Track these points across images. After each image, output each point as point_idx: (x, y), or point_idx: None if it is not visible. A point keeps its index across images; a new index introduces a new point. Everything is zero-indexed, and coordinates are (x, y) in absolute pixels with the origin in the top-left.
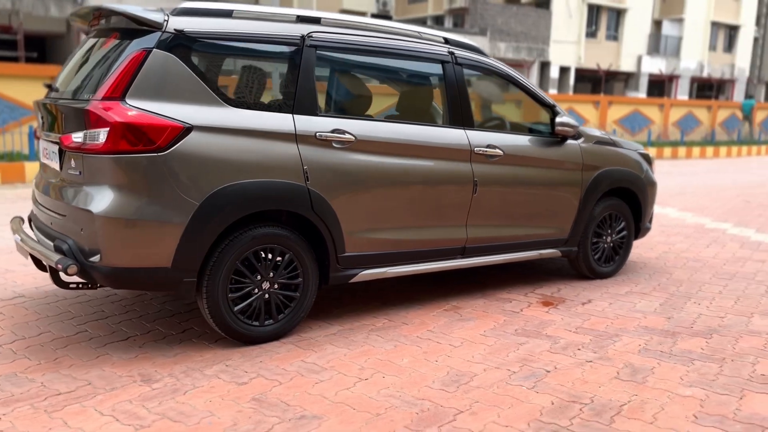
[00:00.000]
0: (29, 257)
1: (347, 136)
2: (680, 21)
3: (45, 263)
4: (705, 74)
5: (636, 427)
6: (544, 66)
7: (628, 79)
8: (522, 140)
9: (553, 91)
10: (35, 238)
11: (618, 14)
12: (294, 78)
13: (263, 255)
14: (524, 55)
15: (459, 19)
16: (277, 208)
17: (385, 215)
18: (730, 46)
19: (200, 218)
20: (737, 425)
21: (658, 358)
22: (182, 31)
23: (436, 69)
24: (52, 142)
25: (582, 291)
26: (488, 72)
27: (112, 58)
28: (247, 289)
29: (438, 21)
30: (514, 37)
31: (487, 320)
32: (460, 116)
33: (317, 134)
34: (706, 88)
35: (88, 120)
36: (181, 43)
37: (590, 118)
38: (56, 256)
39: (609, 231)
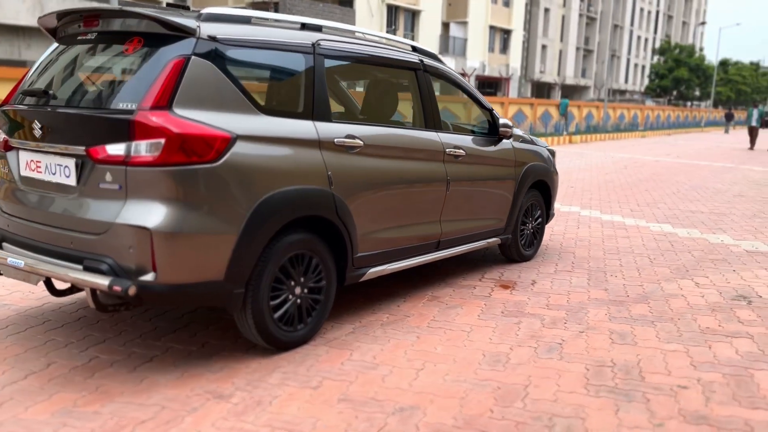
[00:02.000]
0: (35, 282)
1: (357, 141)
2: (465, 24)
3: (78, 285)
4: (486, 73)
5: (660, 378)
6: None
7: None
8: (475, 141)
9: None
10: (40, 260)
11: (413, 15)
12: (311, 85)
13: (296, 261)
14: None
15: (273, 10)
16: (311, 214)
17: (385, 215)
18: (504, 48)
19: (250, 228)
20: (725, 368)
21: (627, 323)
22: (215, 37)
23: (412, 76)
24: (58, 154)
25: (520, 273)
26: (445, 78)
27: (142, 65)
28: (284, 295)
29: None
30: None
31: (470, 306)
32: (432, 120)
33: (335, 140)
34: (487, 86)
35: (133, 131)
36: (214, 50)
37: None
38: (104, 279)
39: (530, 219)
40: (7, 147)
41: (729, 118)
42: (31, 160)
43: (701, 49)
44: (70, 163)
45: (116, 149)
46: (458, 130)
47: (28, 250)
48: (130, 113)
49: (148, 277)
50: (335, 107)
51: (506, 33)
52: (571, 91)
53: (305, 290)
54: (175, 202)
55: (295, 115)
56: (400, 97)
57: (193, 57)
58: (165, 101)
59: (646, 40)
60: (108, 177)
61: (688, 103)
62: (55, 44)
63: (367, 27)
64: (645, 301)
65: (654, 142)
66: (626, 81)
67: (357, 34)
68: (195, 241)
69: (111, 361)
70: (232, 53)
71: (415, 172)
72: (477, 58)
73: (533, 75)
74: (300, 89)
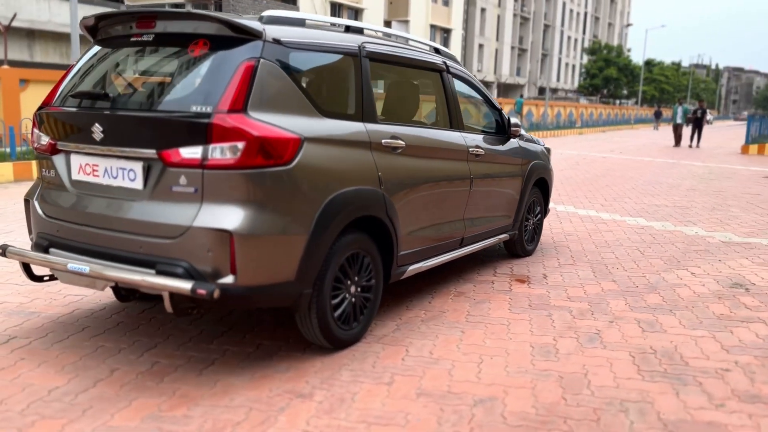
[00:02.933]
0: (102, 288)
1: (400, 141)
2: (406, 23)
3: (154, 290)
4: None
5: (701, 363)
6: None
7: None
8: (489, 140)
9: None
10: (107, 265)
11: (356, 13)
12: (359, 87)
13: (352, 260)
14: None
15: (216, 6)
16: (368, 214)
17: (422, 214)
18: (445, 46)
19: (318, 229)
20: (754, 351)
21: (648, 312)
22: (279, 40)
23: (437, 77)
24: (121, 157)
25: (528, 268)
26: (463, 79)
27: (211, 68)
28: (342, 295)
29: None
30: None
31: (497, 301)
32: (456, 120)
33: (383, 141)
34: None
35: (211, 134)
36: (279, 53)
37: None
38: (186, 283)
39: (531, 215)
40: (54, 150)
41: (658, 115)
42: (86, 164)
43: (629, 50)
44: (136, 166)
45: (192, 152)
46: (469, 129)
47: (86, 256)
48: (206, 116)
49: (228, 279)
50: (386, 108)
51: (446, 32)
52: (507, 90)
53: (358, 289)
54: (253, 204)
55: (348, 117)
56: (432, 98)
57: (261, 60)
58: (240, 104)
59: (576, 40)
60: (182, 180)
61: (617, 102)
62: (96, 46)
63: None
64: (654, 291)
65: (593, 139)
66: (558, 79)
67: (390, 36)
68: (271, 243)
69: (173, 365)
70: (294, 56)
71: (446, 171)
72: None
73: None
74: (351, 91)
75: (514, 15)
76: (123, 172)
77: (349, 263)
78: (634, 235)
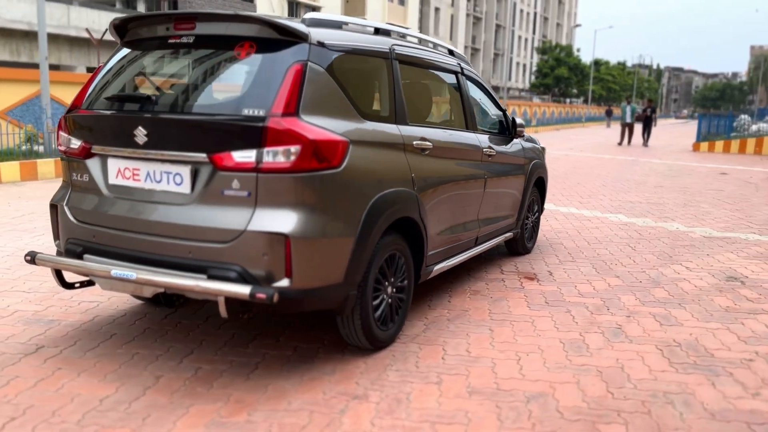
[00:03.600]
0: (150, 294)
1: (427, 143)
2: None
3: (209, 295)
4: None
5: (725, 354)
6: None
7: None
8: (496, 140)
9: None
10: (154, 271)
11: (313, 11)
12: (392, 89)
13: (389, 261)
14: None
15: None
16: (405, 215)
17: (446, 213)
18: None
19: (364, 231)
20: None
21: (660, 306)
22: (323, 42)
23: (454, 79)
24: (167, 161)
25: (531, 265)
26: (474, 81)
27: (260, 70)
28: (381, 296)
29: (129, 4)
30: None
31: (514, 299)
32: (471, 121)
33: (414, 143)
34: None
35: (265, 137)
36: (323, 56)
37: None
38: (244, 287)
39: (530, 213)
40: (88, 154)
41: (609, 114)
42: (126, 168)
43: (578, 50)
44: (184, 170)
45: (245, 156)
46: (479, 130)
47: (127, 262)
48: (260, 120)
49: (284, 283)
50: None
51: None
52: None
53: (394, 290)
54: (306, 207)
55: (383, 119)
56: (450, 100)
57: (309, 63)
58: (293, 108)
59: (527, 40)
60: (235, 184)
61: (567, 100)
62: (125, 48)
63: None
64: (658, 286)
65: (549, 137)
66: (510, 79)
67: (409, 37)
68: (324, 246)
69: (217, 370)
70: (336, 59)
71: (466, 171)
72: None
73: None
74: (385, 93)
75: (467, 15)
76: (168, 176)
77: (387, 264)
78: (620, 231)
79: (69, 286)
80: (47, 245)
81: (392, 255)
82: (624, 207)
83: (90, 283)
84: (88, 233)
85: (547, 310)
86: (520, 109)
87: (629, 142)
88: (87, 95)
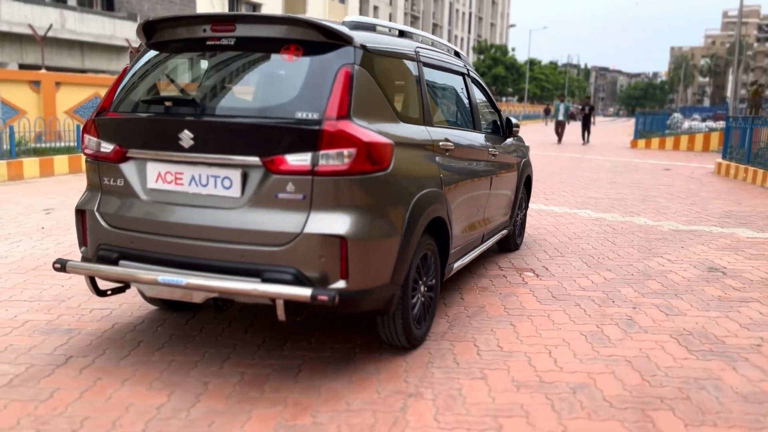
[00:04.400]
0: (201, 300)
1: (450, 143)
2: None
3: (267, 298)
4: None
5: (734, 340)
6: None
7: None
8: (494, 140)
9: None
10: (205, 277)
11: (254, 8)
12: (419, 91)
13: (423, 261)
14: None
15: (103, 1)
16: (438, 215)
17: (463, 212)
18: None
19: (408, 231)
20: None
21: (659, 297)
22: (365, 45)
23: (461, 81)
24: (214, 164)
25: (524, 260)
26: (476, 82)
27: (308, 73)
28: (417, 295)
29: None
30: None
31: (522, 294)
32: (477, 122)
33: (440, 143)
34: None
35: (321, 140)
36: (365, 59)
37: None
38: (305, 289)
39: (519, 211)
40: (123, 158)
41: (547, 112)
42: (167, 172)
43: (513, 50)
44: (233, 174)
45: (300, 159)
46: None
47: (170, 267)
48: (315, 123)
49: (340, 284)
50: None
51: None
52: None
53: (426, 288)
54: (360, 209)
55: (414, 121)
56: (460, 102)
57: (355, 66)
58: (345, 111)
59: (462, 39)
60: (290, 187)
61: (503, 99)
62: (152, 50)
63: None
64: (651, 278)
65: None
66: None
67: (421, 38)
68: (376, 247)
69: (262, 374)
70: (376, 61)
71: (478, 171)
72: None
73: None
74: (415, 95)
75: (405, 13)
76: (216, 180)
77: (421, 263)
78: (593, 226)
79: (102, 293)
80: (32, 252)
81: (425, 254)
82: (589, 203)
83: (121, 290)
84: (124, 239)
85: (557, 304)
86: None
87: (560, 140)
88: (115, 97)
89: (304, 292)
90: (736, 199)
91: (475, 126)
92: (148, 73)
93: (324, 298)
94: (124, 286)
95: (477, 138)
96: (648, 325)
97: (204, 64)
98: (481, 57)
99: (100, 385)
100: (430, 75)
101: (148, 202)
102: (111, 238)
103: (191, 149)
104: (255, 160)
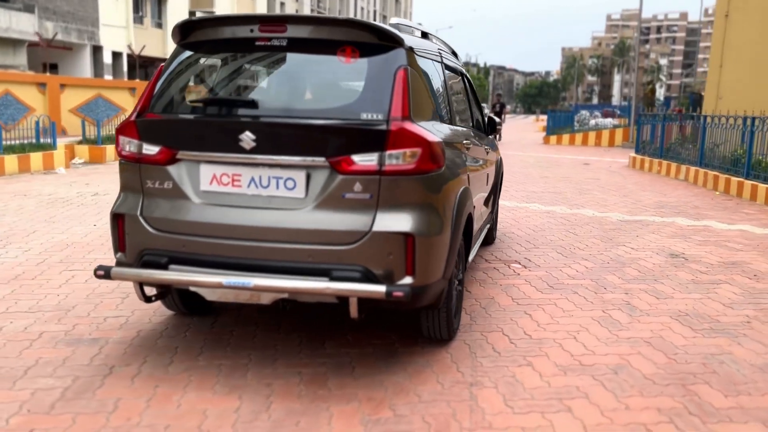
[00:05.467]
0: (268, 301)
1: (467, 141)
2: (211, 14)
3: (340, 296)
4: None
5: (727, 318)
6: (97, 50)
7: None
8: (483, 136)
9: (108, 77)
10: (273, 278)
11: (159, 2)
12: (445, 91)
13: (458, 255)
14: (74, 38)
15: None
16: (470, 211)
17: (475, 208)
18: None
19: (455, 227)
20: (745, 304)
21: (642, 283)
22: (412, 47)
23: (461, 80)
24: (277, 166)
25: (505, 252)
26: (470, 82)
27: (367, 75)
28: (453, 288)
29: None
30: (62, 17)
31: (521, 285)
32: (474, 121)
33: (464, 142)
34: None
35: (388, 141)
36: (413, 60)
37: (126, 105)
38: (379, 286)
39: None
40: (172, 159)
41: None
42: (223, 174)
43: None
44: (297, 174)
45: (367, 159)
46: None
47: (228, 269)
48: (382, 123)
49: (407, 280)
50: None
51: None
52: None
53: (457, 282)
54: (423, 206)
55: (444, 120)
56: (464, 101)
57: (408, 68)
58: (407, 112)
59: None
60: (357, 187)
61: None
62: (187, 50)
63: (113, 13)
64: (626, 266)
65: None
66: None
67: (434, 39)
68: (435, 243)
69: (319, 372)
70: (420, 62)
71: (482, 168)
72: None
73: None
74: (443, 96)
75: (311, 10)
76: (278, 181)
77: (458, 257)
78: (549, 219)
79: (149, 299)
80: (1, 261)
81: (460, 249)
82: (533, 197)
83: (163, 296)
84: (175, 243)
85: (557, 292)
86: None
87: None
88: (153, 98)
89: (379, 288)
90: (660, 190)
91: (474, 124)
92: (189, 74)
93: (399, 294)
94: (165, 291)
95: (480, 136)
96: (646, 309)
97: (252, 65)
98: None
99: (162, 393)
100: (448, 76)
101: (201, 205)
102: (158, 242)
103: (252, 151)
104: (321, 160)
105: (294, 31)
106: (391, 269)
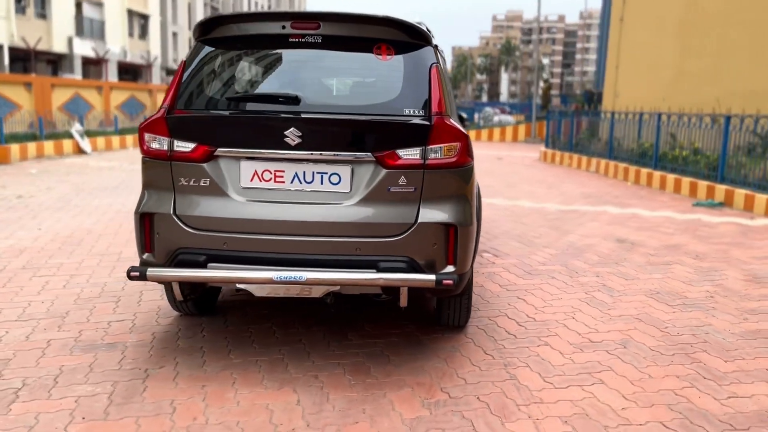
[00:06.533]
0: (320, 294)
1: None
2: (101, 5)
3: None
4: (129, 59)
5: (691, 294)
6: None
7: (60, 60)
8: None
9: None
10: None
11: None
12: (449, 88)
13: None
14: None
15: None
16: (480, 203)
17: None
18: (144, 33)
19: (479, 218)
20: (704, 281)
21: (607, 266)
22: (436, 45)
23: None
24: (321, 161)
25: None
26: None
27: (406, 72)
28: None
29: None
30: None
31: (504, 273)
32: (458, 116)
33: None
34: (128, 72)
35: (431, 136)
36: (439, 58)
37: (23, 102)
38: (429, 275)
39: None
40: (210, 156)
41: None
42: (265, 170)
43: None
44: (342, 170)
45: (411, 154)
46: None
47: (271, 265)
48: (425, 119)
49: (449, 269)
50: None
51: (144, 18)
52: None
53: None
54: (459, 198)
55: (453, 117)
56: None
57: (438, 65)
58: (444, 108)
59: None
60: (402, 180)
61: None
62: (207, 46)
63: None
64: (584, 252)
65: None
66: None
67: None
68: (470, 233)
69: (357, 362)
70: (440, 61)
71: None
72: (117, 42)
73: (167, 63)
74: (450, 92)
75: (205, 4)
76: (323, 177)
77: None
78: (494, 211)
79: (182, 304)
80: None
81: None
82: None
83: (193, 298)
84: (214, 241)
85: (537, 278)
86: None
87: None
88: (180, 95)
89: (429, 278)
90: (579, 182)
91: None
92: (215, 70)
93: (449, 282)
94: (194, 293)
95: None
96: (622, 289)
97: (285, 61)
98: None
99: (214, 391)
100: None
101: (242, 202)
102: (195, 241)
103: (297, 147)
104: (367, 155)
105: (328, 28)
106: (433, 259)
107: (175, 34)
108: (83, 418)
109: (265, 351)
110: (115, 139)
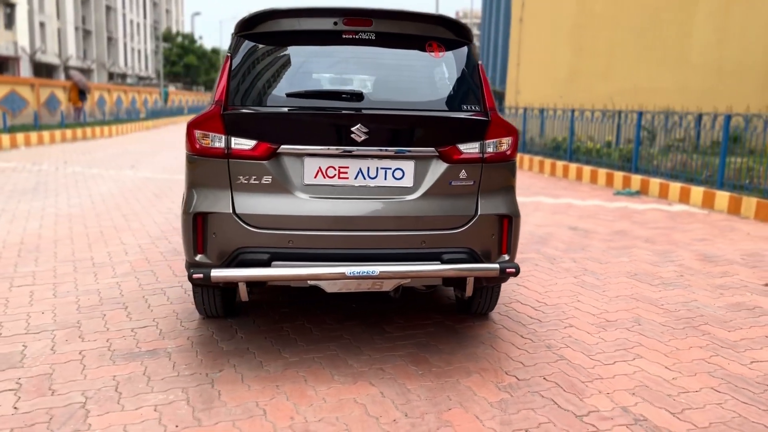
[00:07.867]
0: (390, 288)
1: None
2: None
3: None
4: None
5: (664, 275)
6: None
7: None
8: None
9: None
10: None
11: None
12: None
13: None
14: None
15: None
16: None
17: None
18: (10, 23)
19: None
20: (670, 263)
21: (576, 252)
22: (474, 44)
23: None
24: (386, 157)
25: None
26: None
27: (458, 69)
28: None
29: None
30: None
31: None
32: None
33: None
34: None
35: (488, 131)
36: (477, 55)
37: None
38: (494, 265)
39: None
40: (273, 154)
41: None
42: (329, 167)
43: (200, 38)
44: (406, 165)
45: (471, 148)
46: None
47: (339, 261)
48: (482, 114)
49: (504, 258)
50: None
51: (9, 6)
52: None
53: None
54: (509, 190)
55: None
56: None
57: (480, 63)
58: (493, 104)
59: (139, 24)
60: (462, 174)
61: (194, 88)
62: (249, 41)
63: None
64: (549, 240)
65: None
66: (126, 64)
67: None
68: (519, 222)
69: (411, 353)
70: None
71: None
72: None
73: (34, 54)
74: None
75: (77, 28)
76: (386, 172)
77: None
78: None
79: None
80: None
81: None
82: None
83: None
84: (278, 239)
85: (523, 265)
86: (151, 96)
87: None
88: (230, 91)
89: (493, 266)
90: None
91: None
92: (265, 65)
93: (512, 270)
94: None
95: None
96: (604, 273)
97: (339, 58)
98: (168, 46)
99: (292, 390)
100: None
101: (306, 199)
102: (256, 239)
103: (363, 143)
104: (431, 150)
105: (380, 25)
106: (489, 249)
107: (42, 24)
108: (176, 426)
109: (315, 348)
110: (5, 138)
